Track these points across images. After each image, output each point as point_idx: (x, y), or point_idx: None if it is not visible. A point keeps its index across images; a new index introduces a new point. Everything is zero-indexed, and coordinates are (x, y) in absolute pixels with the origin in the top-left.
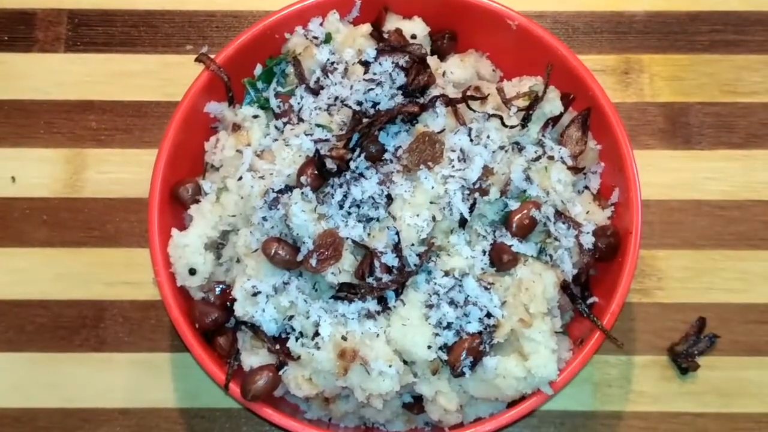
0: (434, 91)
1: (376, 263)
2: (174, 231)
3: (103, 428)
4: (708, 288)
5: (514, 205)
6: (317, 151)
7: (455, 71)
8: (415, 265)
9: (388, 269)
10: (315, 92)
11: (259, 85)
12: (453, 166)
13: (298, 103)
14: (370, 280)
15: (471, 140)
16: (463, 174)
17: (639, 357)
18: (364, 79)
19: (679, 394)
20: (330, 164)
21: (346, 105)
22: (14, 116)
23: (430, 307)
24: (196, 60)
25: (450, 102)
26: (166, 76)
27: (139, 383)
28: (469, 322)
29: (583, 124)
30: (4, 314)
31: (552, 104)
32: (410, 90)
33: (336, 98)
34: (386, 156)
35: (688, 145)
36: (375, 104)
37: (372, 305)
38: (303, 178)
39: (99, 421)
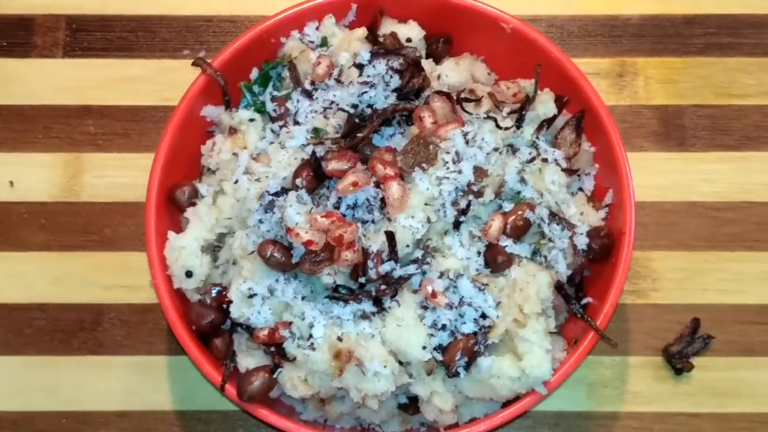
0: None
1: (371, 264)
2: (171, 234)
3: (100, 431)
4: (702, 289)
5: (508, 206)
6: (313, 153)
7: (450, 74)
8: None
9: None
10: (310, 95)
11: (256, 88)
12: (447, 168)
13: (294, 107)
14: (363, 280)
15: (466, 142)
16: (458, 176)
17: (633, 358)
18: (358, 82)
19: (674, 394)
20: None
21: (341, 108)
22: (12, 121)
23: (425, 308)
24: (193, 64)
25: None
26: (164, 81)
27: (137, 386)
28: (464, 323)
29: (577, 127)
30: (2, 318)
31: (546, 106)
32: (405, 92)
33: (332, 101)
34: None
35: (682, 147)
36: (370, 106)
37: (367, 306)
38: (298, 181)
39: (97, 424)
